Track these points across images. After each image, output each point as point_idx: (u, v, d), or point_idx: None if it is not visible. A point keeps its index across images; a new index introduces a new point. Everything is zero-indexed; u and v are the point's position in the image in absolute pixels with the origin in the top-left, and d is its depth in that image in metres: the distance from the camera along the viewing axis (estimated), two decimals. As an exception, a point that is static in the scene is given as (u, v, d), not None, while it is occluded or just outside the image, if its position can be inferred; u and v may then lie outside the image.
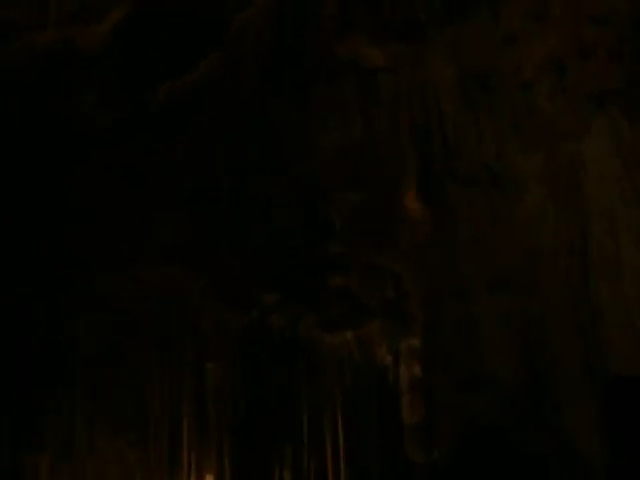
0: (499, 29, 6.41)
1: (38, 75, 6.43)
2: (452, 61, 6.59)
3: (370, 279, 7.21)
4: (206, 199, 7.08)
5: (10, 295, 7.11)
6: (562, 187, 6.30)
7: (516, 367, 6.43)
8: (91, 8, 6.52)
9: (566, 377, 6.12)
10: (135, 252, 7.10)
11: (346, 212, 7.09)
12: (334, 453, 7.11)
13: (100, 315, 7.31)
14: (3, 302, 7.09)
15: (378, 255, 7.10)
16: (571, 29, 6.21)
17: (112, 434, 7.32)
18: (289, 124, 6.90)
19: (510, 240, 6.55)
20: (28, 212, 6.93)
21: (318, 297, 7.27)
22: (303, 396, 7.29)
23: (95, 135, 6.64)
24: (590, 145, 6.07)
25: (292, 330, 7.37)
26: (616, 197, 5.97)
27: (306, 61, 6.63)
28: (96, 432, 7.31)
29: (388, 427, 7.02)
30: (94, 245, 7.07)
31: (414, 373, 6.98)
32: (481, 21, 6.41)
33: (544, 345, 6.32)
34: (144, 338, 7.37)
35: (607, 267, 6.02)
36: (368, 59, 6.71)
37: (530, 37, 6.37)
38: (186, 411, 7.36)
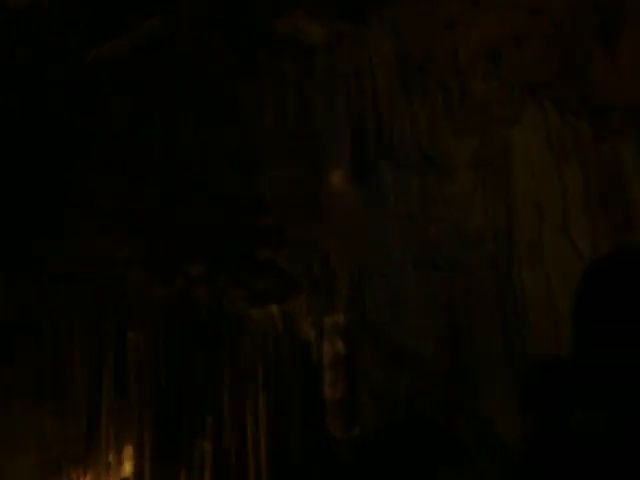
0: (439, 12, 6.45)
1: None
2: (390, 42, 6.61)
3: (297, 254, 7.23)
4: (136, 167, 6.95)
5: None
6: (491, 172, 6.45)
7: (439, 346, 6.58)
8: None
9: (487, 358, 6.30)
10: (65, 219, 6.93)
11: (277, 186, 7.07)
12: (255, 426, 7.14)
13: (23, 278, 7.10)
14: None
15: (306, 230, 7.11)
16: (508, 16, 6.30)
17: (29, 403, 7.16)
18: (224, 95, 6.81)
19: (439, 221, 6.67)
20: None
21: (245, 270, 7.25)
22: (225, 369, 7.28)
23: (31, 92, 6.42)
24: (521, 134, 6.21)
25: (217, 302, 7.33)
26: (542, 186, 6.14)
27: (246, 33, 6.54)
28: (13, 400, 7.14)
29: (310, 402, 7.08)
30: (25, 208, 6.88)
31: (337, 349, 7.04)
32: (422, 3, 6.44)
33: (467, 325, 6.49)
34: (66, 305, 7.21)
35: (531, 252, 6.21)
36: (308, 35, 6.67)
37: (467, 22, 6.44)
38: (106, 381, 7.26)
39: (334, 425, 6.80)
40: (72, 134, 6.89)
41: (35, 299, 7.14)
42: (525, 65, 6.18)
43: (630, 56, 5.73)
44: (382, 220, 6.83)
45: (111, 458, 7.19)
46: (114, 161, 7.02)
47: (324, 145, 6.90)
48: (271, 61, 6.70)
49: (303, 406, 7.13)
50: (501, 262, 6.36)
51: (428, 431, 6.17)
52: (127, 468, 7.20)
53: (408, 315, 6.75)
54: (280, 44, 6.59)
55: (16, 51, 6.32)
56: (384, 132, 6.88)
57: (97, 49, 6.59)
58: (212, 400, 7.22)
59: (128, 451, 7.19)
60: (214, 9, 6.32)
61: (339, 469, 6.65)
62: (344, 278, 7.10)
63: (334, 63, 6.81)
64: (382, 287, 6.90)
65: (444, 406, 6.29)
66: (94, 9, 6.23)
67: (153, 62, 6.45)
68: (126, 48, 6.32)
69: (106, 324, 7.32)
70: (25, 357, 7.15)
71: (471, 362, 6.33)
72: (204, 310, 7.37)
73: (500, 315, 6.27)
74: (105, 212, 7.04)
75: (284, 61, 6.77)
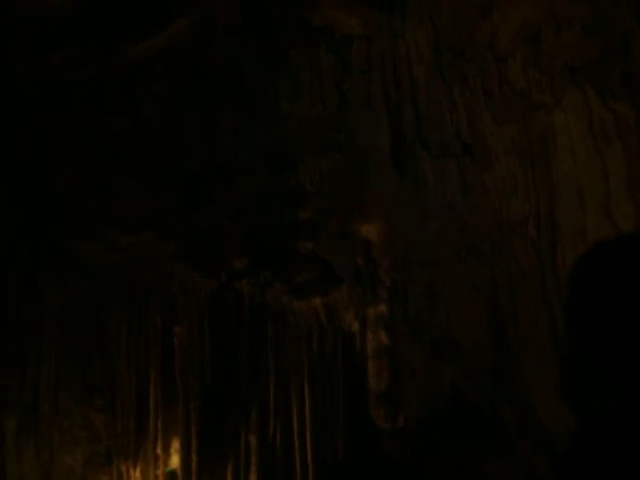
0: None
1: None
2: (428, 31, 6.58)
3: (339, 245, 7.23)
4: (177, 165, 7.02)
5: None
6: (532, 158, 6.37)
7: (482, 335, 6.53)
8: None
9: (531, 345, 6.23)
10: (110, 218, 7.03)
11: (317, 178, 7.08)
12: (300, 419, 7.16)
13: (70, 278, 7.21)
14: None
15: (348, 222, 7.11)
16: (546, 1, 6.20)
17: (78, 399, 7.27)
18: (261, 89, 6.84)
19: (480, 209, 6.62)
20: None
21: (287, 263, 7.27)
22: (270, 361, 7.30)
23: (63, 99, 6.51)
24: (561, 118, 6.12)
25: (260, 295, 7.36)
26: (584, 170, 6.04)
27: (279, 26, 6.55)
28: (61, 397, 7.25)
29: (354, 393, 7.08)
30: (71, 209, 6.99)
31: (380, 340, 7.03)
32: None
33: (511, 314, 6.42)
34: (112, 302, 7.30)
35: (574, 237, 6.11)
36: (344, 26, 6.67)
37: (505, 8, 6.36)
38: (153, 376, 7.34)
39: (378, 416, 6.80)
40: (113, 132, 6.99)
41: (82, 297, 7.25)
42: (565, 49, 6.08)
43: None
44: (422, 210, 6.80)
45: (159, 451, 7.28)
46: (155, 159, 7.10)
47: (362, 136, 6.90)
48: (307, 54, 6.71)
49: (347, 397, 7.13)
50: (544, 248, 6.29)
51: (472, 420, 6.13)
52: (174, 460, 7.29)
53: (450, 304, 6.72)
54: (315, 37, 6.60)
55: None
56: (422, 121, 6.85)
57: (135, 48, 6.65)
58: (257, 393, 7.25)
59: (175, 444, 7.27)
60: (244, 4, 6.32)
61: (384, 459, 6.65)
62: (386, 268, 7.09)
63: (370, 54, 6.80)
64: (423, 277, 6.88)
65: (487, 394, 6.24)
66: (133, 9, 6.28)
67: (185, 61, 6.50)
68: (160, 48, 6.37)
69: (152, 319, 7.40)
70: (72, 354, 7.26)
71: (514, 350, 6.27)
72: (248, 303, 7.41)
73: (544, 301, 6.19)
74: (149, 208, 7.12)
75: (320, 54, 6.78)
